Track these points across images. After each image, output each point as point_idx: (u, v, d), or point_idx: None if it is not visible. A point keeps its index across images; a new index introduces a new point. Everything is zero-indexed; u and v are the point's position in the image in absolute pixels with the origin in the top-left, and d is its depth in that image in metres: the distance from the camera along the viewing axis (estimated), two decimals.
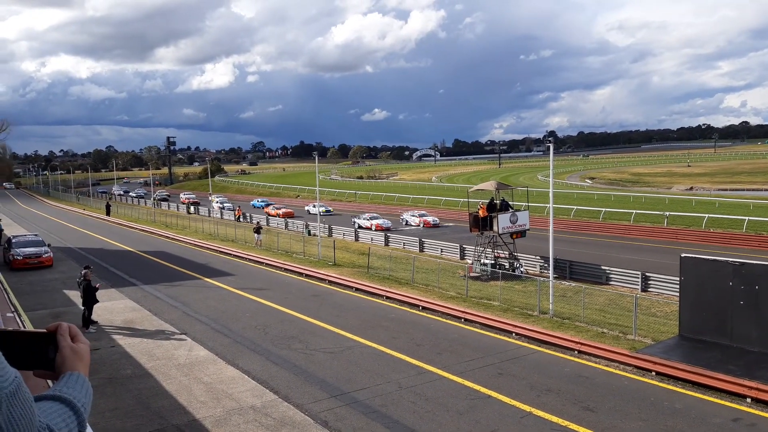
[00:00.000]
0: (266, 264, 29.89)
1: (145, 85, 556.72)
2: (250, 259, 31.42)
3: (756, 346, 13.89)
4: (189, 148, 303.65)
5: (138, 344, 16.64)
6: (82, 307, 18.31)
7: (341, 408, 12.05)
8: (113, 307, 19.02)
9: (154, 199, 69.65)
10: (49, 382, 1.45)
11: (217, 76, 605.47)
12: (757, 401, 11.89)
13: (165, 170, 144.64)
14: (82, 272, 18.83)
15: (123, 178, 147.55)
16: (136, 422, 11.49)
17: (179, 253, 34.70)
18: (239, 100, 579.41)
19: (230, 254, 33.50)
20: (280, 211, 54.07)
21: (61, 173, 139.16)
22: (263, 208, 61.28)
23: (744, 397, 12.09)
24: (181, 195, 79.19)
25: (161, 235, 43.45)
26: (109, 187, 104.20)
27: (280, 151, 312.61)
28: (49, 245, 31.24)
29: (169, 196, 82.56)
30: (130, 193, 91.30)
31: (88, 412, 1.39)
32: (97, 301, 18.66)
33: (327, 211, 54.90)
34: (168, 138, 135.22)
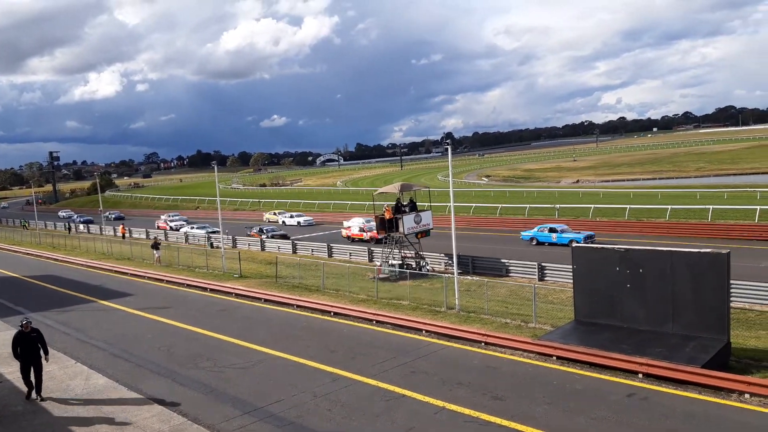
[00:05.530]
0: (167, 281, 28.59)
1: (23, 97, 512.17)
2: (148, 277, 29.91)
3: (644, 325, 15.00)
4: (75, 162, 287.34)
5: None
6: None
7: (255, 424, 11.74)
8: None
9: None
10: None
11: (103, 85, 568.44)
12: (647, 376, 12.87)
13: (49, 187, 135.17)
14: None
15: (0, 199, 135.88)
16: None
17: (70, 275, 32.41)
18: (128, 110, 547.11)
19: (127, 273, 31.74)
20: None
21: None
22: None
23: (636, 373, 13.05)
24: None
25: (48, 258, 40.44)
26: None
27: (176, 162, 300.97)
28: None
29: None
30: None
31: None
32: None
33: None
34: (51, 153, 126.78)
